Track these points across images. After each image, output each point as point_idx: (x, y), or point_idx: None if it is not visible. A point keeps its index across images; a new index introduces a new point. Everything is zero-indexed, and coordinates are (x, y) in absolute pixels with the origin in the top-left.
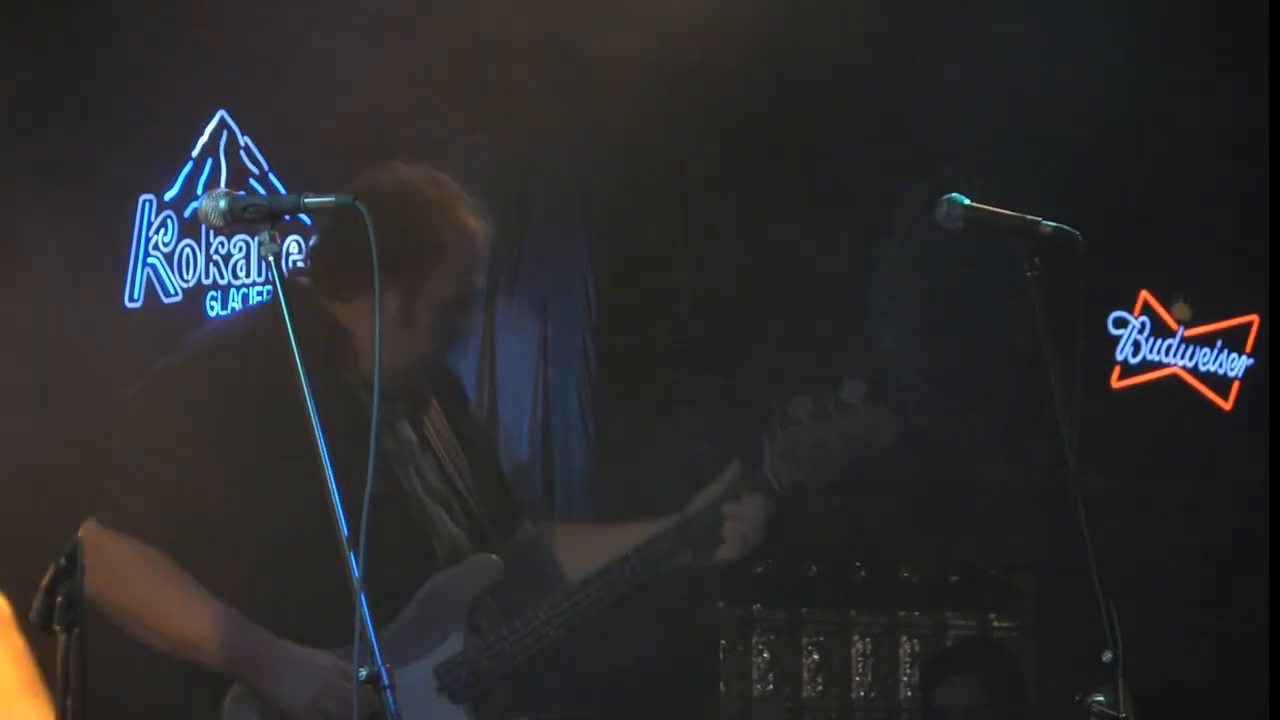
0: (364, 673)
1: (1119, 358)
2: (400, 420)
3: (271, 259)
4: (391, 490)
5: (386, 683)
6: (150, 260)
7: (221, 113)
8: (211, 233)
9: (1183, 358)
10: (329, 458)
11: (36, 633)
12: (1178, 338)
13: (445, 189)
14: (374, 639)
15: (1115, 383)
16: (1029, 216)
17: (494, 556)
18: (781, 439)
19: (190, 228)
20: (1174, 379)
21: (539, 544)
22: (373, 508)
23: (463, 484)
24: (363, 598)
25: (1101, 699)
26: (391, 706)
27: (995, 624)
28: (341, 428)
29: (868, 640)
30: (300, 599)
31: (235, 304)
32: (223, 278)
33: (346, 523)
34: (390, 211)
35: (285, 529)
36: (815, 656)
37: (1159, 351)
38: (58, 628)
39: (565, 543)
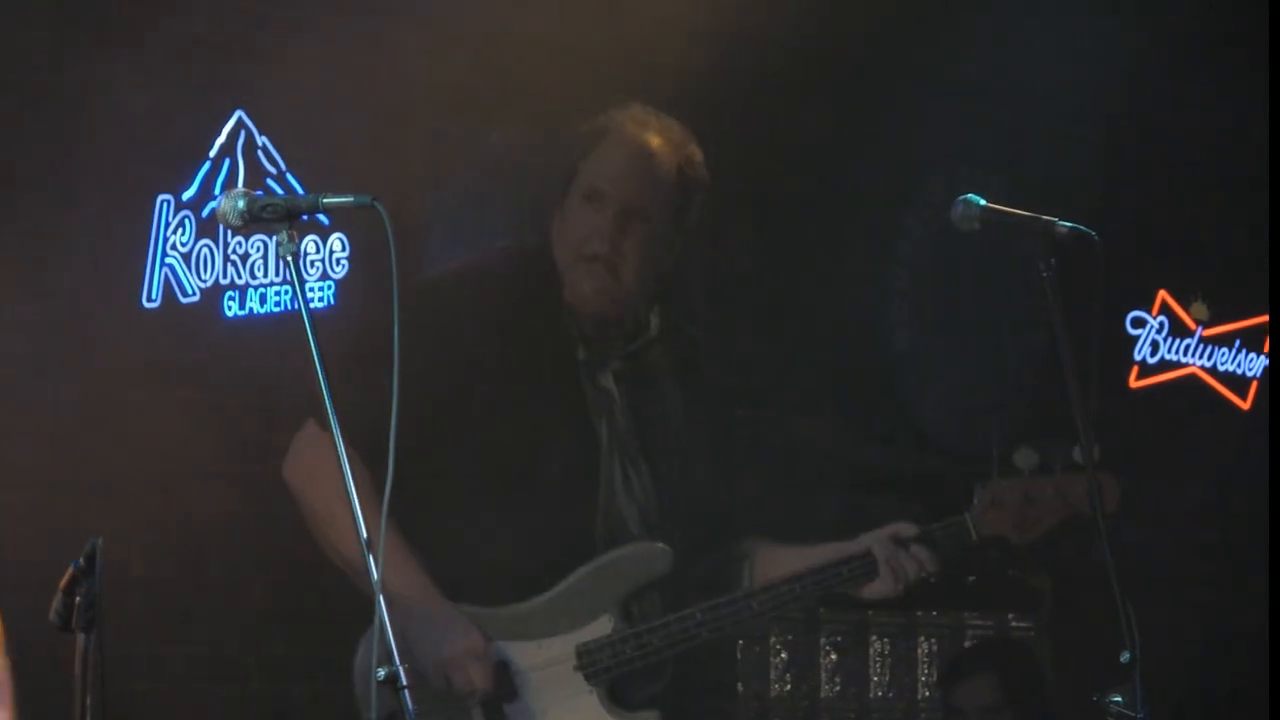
0: (382, 673)
1: (1137, 357)
2: (605, 371)
3: (290, 259)
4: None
5: (404, 683)
6: (168, 260)
7: (239, 113)
8: (229, 233)
9: (1201, 357)
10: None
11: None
12: (1196, 337)
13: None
14: (390, 640)
15: (1133, 382)
16: (1045, 217)
17: (662, 545)
18: (992, 489)
19: (208, 228)
20: (1192, 379)
21: (738, 560)
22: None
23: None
24: (380, 600)
25: (1119, 699)
26: (409, 707)
27: (1013, 624)
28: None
29: (885, 640)
30: (465, 552)
31: (253, 304)
32: (240, 278)
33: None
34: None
35: (472, 472)
36: (833, 656)
37: (1177, 351)
38: (76, 628)
39: (760, 560)
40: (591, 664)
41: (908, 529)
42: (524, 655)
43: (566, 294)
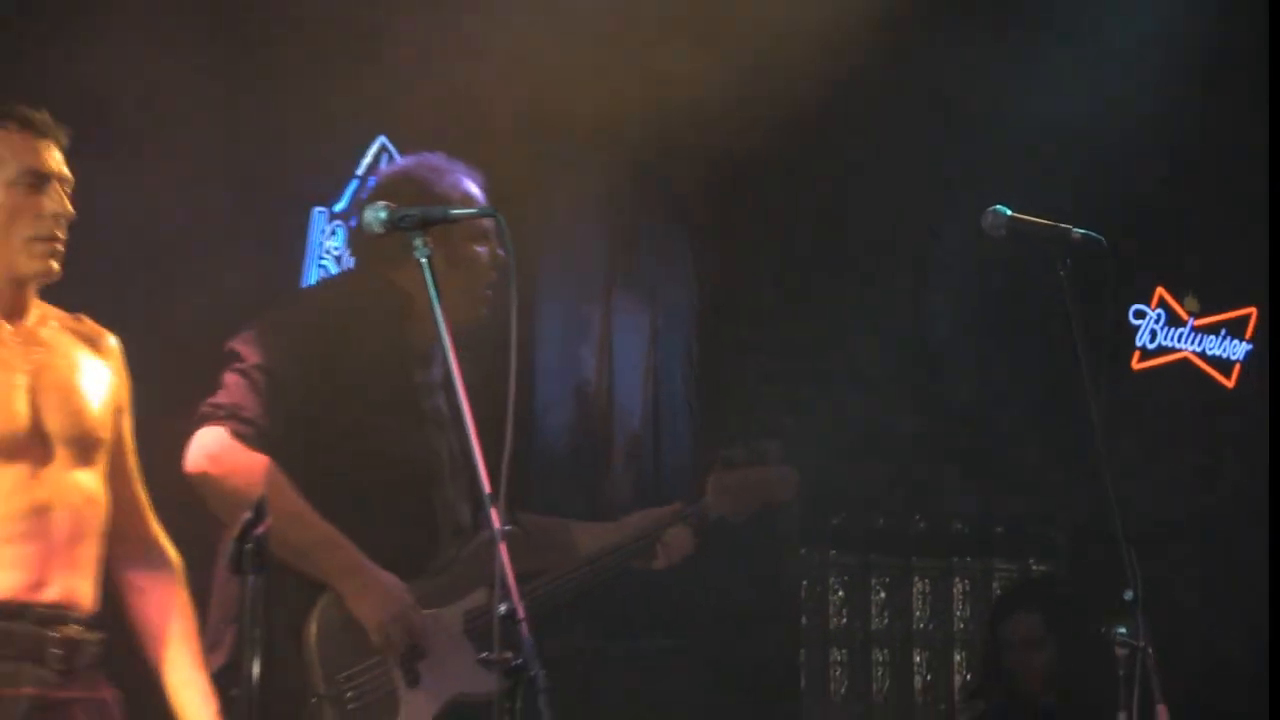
0: (503, 608)
1: (1138, 344)
2: (438, 390)
3: (425, 260)
4: (427, 454)
5: (521, 617)
6: (322, 262)
7: (382, 139)
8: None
9: (1192, 344)
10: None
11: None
12: (1188, 327)
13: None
14: (511, 581)
15: (1135, 365)
16: (1061, 224)
17: (515, 525)
18: (720, 479)
19: (356, 235)
20: (1185, 362)
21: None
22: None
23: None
24: (501, 545)
25: (1124, 630)
26: (526, 638)
27: (1034, 568)
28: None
29: (926, 581)
30: (385, 535)
31: None
32: None
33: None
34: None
35: (378, 476)
36: (882, 594)
37: (1172, 339)
38: (246, 571)
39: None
40: (476, 627)
41: (666, 515)
42: (431, 618)
43: (462, 316)
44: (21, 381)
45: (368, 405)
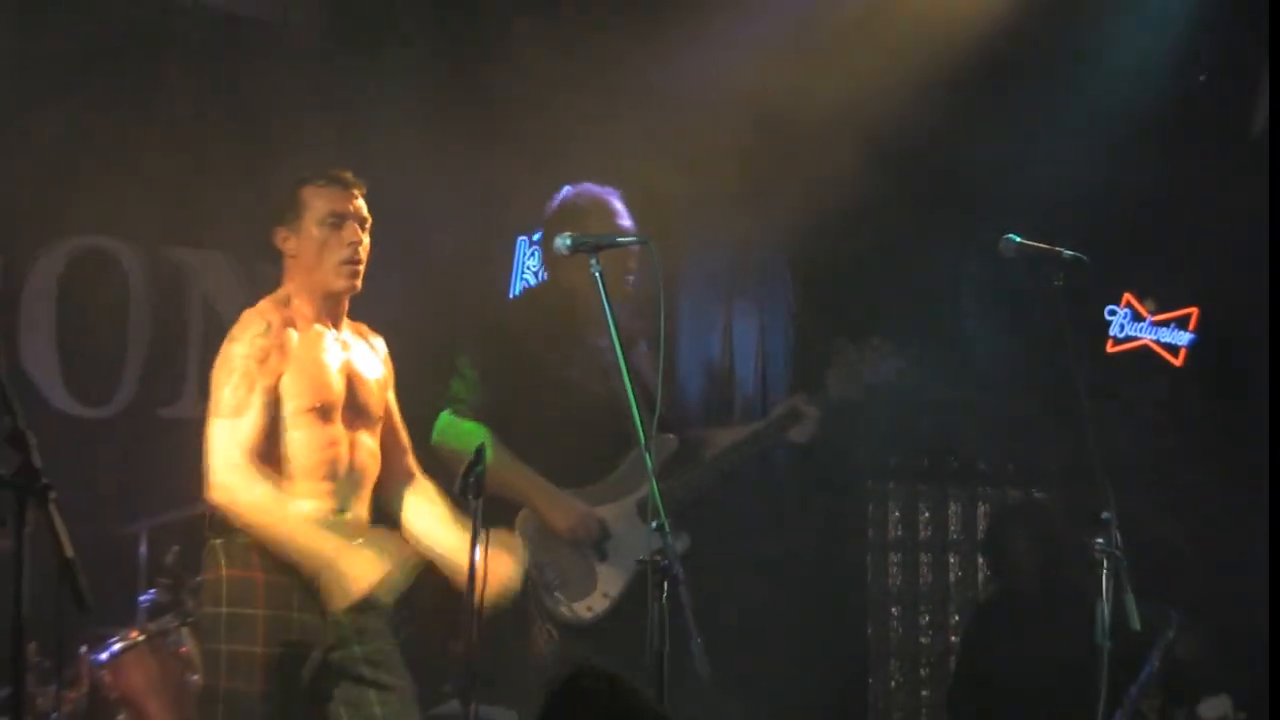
0: (654, 524)
1: (1111, 334)
2: (608, 353)
3: (599, 274)
4: (602, 395)
5: (668, 529)
6: (524, 278)
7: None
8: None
9: (1151, 334)
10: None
11: None
12: (1148, 322)
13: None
14: (658, 496)
15: (1109, 349)
16: (1056, 247)
17: (671, 436)
18: (849, 365)
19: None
20: (1146, 348)
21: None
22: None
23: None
24: (648, 456)
25: (1101, 541)
26: (668, 540)
27: (1035, 494)
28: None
29: (958, 505)
30: (576, 453)
31: None
32: None
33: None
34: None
35: (570, 413)
36: (926, 514)
37: (1136, 330)
38: (470, 496)
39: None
40: (645, 511)
41: (803, 398)
42: (608, 514)
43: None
44: (341, 368)
45: (558, 368)
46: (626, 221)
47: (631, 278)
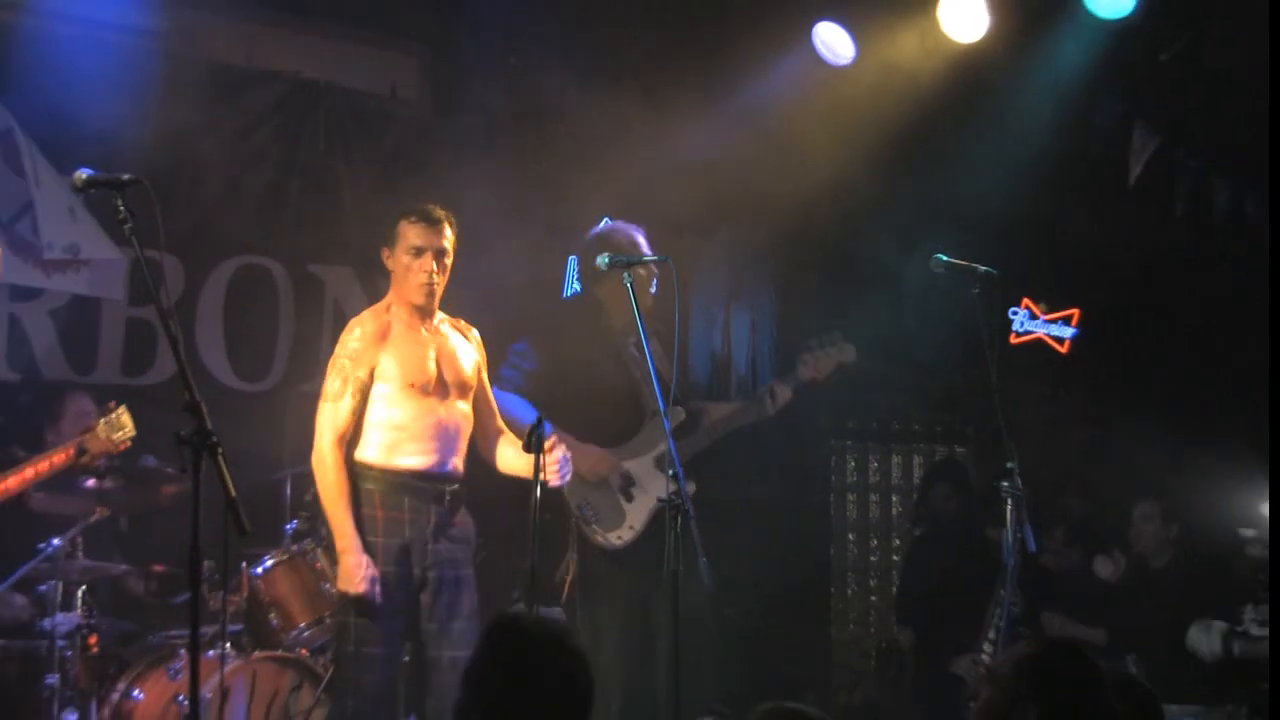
0: (670, 472)
1: (1013, 329)
2: (631, 346)
3: (630, 285)
4: (626, 377)
5: (683, 476)
6: (573, 286)
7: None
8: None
9: (1043, 329)
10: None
11: None
12: (1041, 320)
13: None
14: (674, 450)
15: (1012, 341)
16: (975, 264)
17: (680, 408)
18: (805, 356)
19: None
20: (1039, 340)
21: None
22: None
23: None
24: (666, 422)
25: (1006, 484)
26: (682, 485)
27: (958, 450)
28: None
29: (899, 457)
30: (608, 421)
31: None
32: None
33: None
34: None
35: (602, 390)
36: (875, 464)
37: (1032, 326)
38: (534, 451)
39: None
40: (662, 464)
41: (781, 380)
42: (632, 466)
43: (645, 303)
44: (431, 353)
45: (592, 354)
46: (646, 247)
47: (653, 288)
